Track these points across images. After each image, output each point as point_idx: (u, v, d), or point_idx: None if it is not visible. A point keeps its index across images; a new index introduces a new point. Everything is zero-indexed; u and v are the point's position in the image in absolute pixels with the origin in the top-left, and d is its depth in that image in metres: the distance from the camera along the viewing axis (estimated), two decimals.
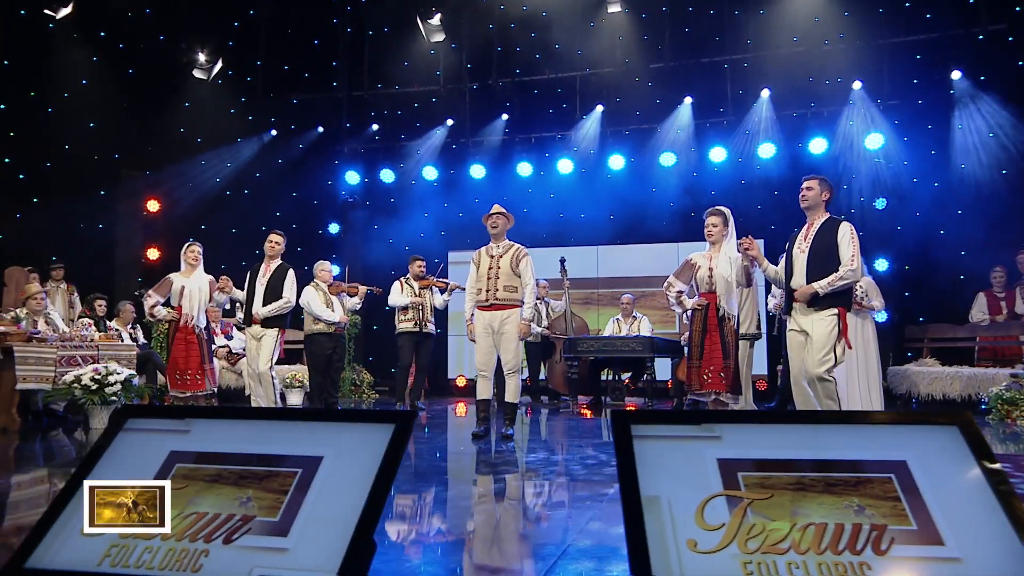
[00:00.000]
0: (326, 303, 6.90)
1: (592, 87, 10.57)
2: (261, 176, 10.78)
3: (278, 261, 6.17)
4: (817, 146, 9.67)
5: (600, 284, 10.83)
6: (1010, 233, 8.12)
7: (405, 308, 7.35)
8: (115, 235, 10.01)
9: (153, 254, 10.18)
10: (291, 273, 6.13)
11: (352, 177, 11.07)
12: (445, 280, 7.81)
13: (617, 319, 8.40)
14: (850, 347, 4.28)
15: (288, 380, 8.05)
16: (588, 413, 7.53)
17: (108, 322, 7.86)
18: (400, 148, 11.16)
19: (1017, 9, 8.78)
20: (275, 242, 6.12)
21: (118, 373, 5.82)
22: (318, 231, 10.94)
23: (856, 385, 6.37)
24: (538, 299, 7.67)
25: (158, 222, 10.26)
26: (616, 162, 10.43)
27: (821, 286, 4.11)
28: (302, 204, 10.89)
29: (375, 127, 11.11)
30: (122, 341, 7.17)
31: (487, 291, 5.20)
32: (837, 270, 4.09)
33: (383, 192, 11.16)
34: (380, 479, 1.47)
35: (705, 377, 4.94)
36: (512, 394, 5.24)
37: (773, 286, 5.95)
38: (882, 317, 7.42)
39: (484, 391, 5.32)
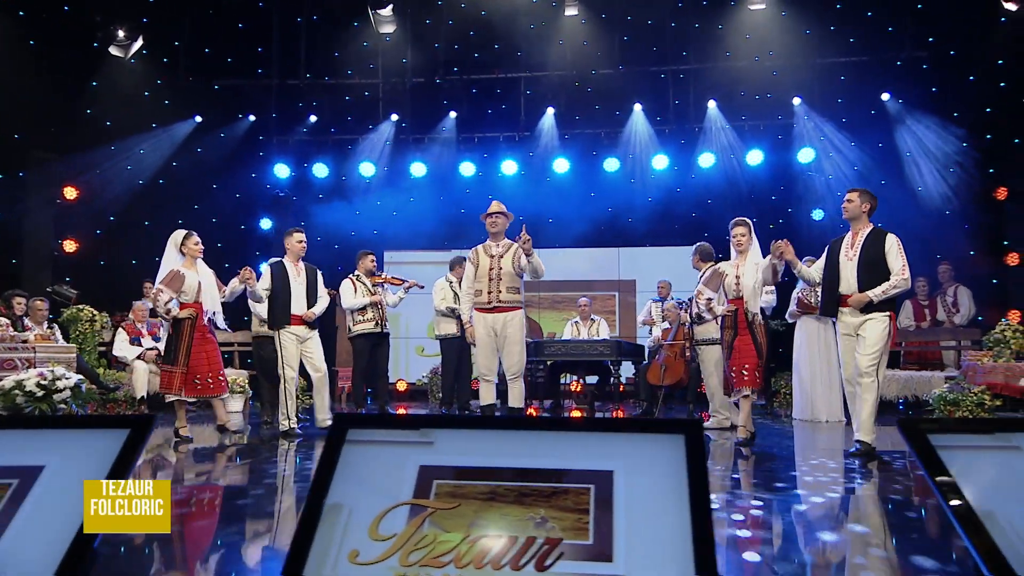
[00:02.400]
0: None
1: (542, 89, 10.48)
2: (179, 165, 10.21)
3: (302, 260, 5.92)
4: (754, 158, 9.85)
5: (542, 287, 10.75)
6: (930, 245, 8.41)
7: (363, 308, 7.04)
8: (24, 225, 9.36)
9: (70, 246, 9.60)
10: (318, 271, 5.96)
11: (281, 170, 10.57)
12: (401, 278, 7.53)
13: (575, 322, 8.35)
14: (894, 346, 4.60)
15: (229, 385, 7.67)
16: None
17: (25, 320, 7.52)
18: (335, 142, 10.80)
19: (931, 40, 9.27)
20: (303, 241, 5.82)
21: (66, 378, 5.42)
22: (241, 226, 10.41)
23: (819, 387, 6.66)
24: None
25: (76, 211, 9.67)
26: (560, 165, 10.38)
27: (876, 294, 4.41)
28: (226, 197, 10.38)
29: (313, 118, 10.68)
30: (58, 342, 6.84)
31: (489, 292, 5.06)
32: (888, 278, 4.40)
33: (315, 187, 10.74)
34: (696, 489, 1.34)
35: (734, 374, 5.03)
36: (518, 399, 5.11)
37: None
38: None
39: (489, 396, 5.18)
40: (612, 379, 7.40)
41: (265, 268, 5.81)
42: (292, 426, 5.52)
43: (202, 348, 5.35)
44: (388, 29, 10.20)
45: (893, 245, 4.43)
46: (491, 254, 5.20)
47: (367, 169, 10.53)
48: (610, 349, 7.09)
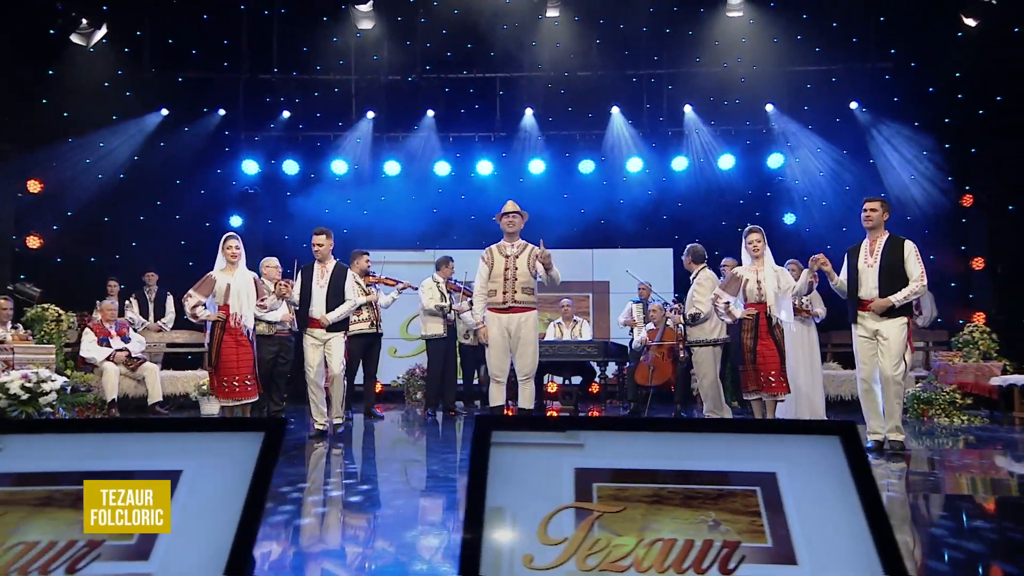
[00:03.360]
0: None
1: (520, 89, 10.45)
2: (140, 160, 9.77)
3: (333, 260, 5.77)
4: (726, 162, 10.07)
5: None
6: None
7: (359, 308, 6.86)
8: None
9: (33, 242, 9.11)
10: (351, 274, 5.84)
11: (250, 166, 10.21)
12: (395, 279, 7.45)
13: (558, 323, 8.38)
14: (912, 351, 4.85)
15: (204, 388, 7.35)
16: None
17: None
18: (307, 138, 10.52)
19: (892, 52, 9.66)
20: (320, 243, 5.70)
21: (52, 380, 5.18)
22: (206, 223, 9.90)
23: (802, 388, 6.60)
24: (456, 307, 7.47)
25: (39, 206, 9.20)
26: (536, 166, 10.38)
27: (898, 299, 4.57)
28: (191, 194, 10.03)
29: (287, 114, 10.36)
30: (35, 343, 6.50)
31: (504, 293, 5.02)
32: (906, 284, 4.57)
33: (285, 184, 10.41)
34: (862, 483, 1.34)
35: (763, 380, 5.10)
36: (528, 400, 5.11)
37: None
38: None
39: (499, 397, 5.16)
40: (599, 379, 7.44)
41: (298, 274, 5.79)
42: (320, 426, 5.50)
43: (233, 352, 5.24)
44: (366, 25, 9.99)
45: (912, 252, 4.62)
46: (506, 254, 5.17)
47: (339, 167, 10.29)
48: (597, 350, 7.14)
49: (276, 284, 5.64)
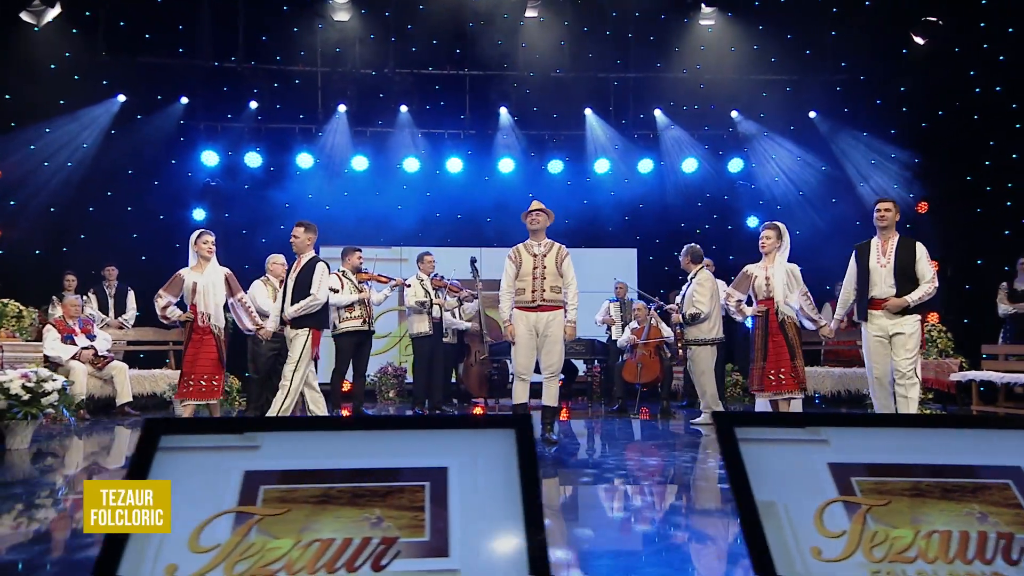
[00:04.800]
0: (274, 300, 6.21)
1: (493, 88, 10.43)
2: (90, 148, 9.24)
3: (310, 254, 5.52)
4: (688, 165, 10.42)
5: (484, 286, 10.72)
6: (847, 252, 9.21)
7: (351, 305, 6.72)
8: None
9: None
10: (321, 267, 5.49)
11: (209, 158, 9.79)
12: (388, 276, 7.30)
13: None
14: (923, 349, 4.93)
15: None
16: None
17: None
18: (271, 131, 10.15)
19: (843, 64, 10.23)
20: (295, 235, 5.47)
21: (53, 379, 4.88)
22: (160, 216, 9.52)
23: None
24: (438, 302, 7.41)
25: None
26: (506, 165, 10.39)
27: (913, 299, 4.70)
28: (144, 185, 9.55)
29: (254, 105, 9.97)
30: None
31: (533, 291, 5.03)
32: (917, 284, 4.72)
33: (244, 177, 10.02)
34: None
35: (771, 378, 5.16)
36: (552, 397, 5.13)
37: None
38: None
39: (523, 395, 5.14)
40: (585, 375, 7.57)
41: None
42: None
43: (197, 350, 5.15)
44: (343, 17, 9.74)
45: (924, 254, 4.79)
46: (534, 253, 5.17)
47: (305, 160, 10.01)
48: (586, 348, 7.24)
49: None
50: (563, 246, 5.23)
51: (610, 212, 10.63)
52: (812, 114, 10.24)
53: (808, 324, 5.33)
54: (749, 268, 5.52)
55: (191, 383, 5.28)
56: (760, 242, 5.44)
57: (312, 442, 1.35)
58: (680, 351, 6.68)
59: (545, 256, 5.13)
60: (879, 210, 4.96)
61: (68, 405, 4.95)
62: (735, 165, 10.45)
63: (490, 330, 8.61)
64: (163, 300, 5.19)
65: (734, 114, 10.37)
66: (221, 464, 1.31)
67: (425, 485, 1.34)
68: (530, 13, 9.87)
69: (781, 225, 5.55)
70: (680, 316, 6.31)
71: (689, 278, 6.38)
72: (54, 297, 7.60)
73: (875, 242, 4.96)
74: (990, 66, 9.20)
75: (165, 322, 5.46)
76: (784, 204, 10.25)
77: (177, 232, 9.15)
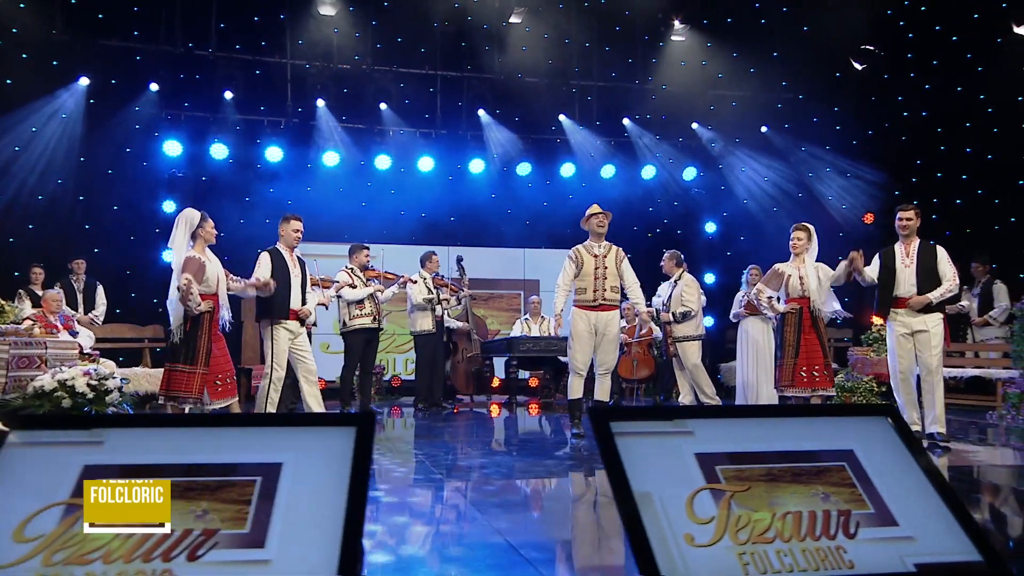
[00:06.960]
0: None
1: (475, 90, 10.58)
2: (39, 131, 8.76)
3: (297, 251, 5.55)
4: (647, 172, 10.83)
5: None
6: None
7: (361, 302, 6.80)
8: None
9: None
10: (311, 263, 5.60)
11: (172, 147, 9.33)
12: (395, 273, 7.39)
13: (526, 319, 8.67)
14: (948, 346, 5.22)
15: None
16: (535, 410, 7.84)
17: None
18: (238, 122, 9.80)
19: (784, 84, 10.74)
20: (296, 229, 5.42)
21: (113, 376, 4.78)
22: (114, 207, 9.19)
23: (763, 384, 7.02)
24: (445, 298, 7.62)
25: None
26: (476, 166, 10.54)
27: (935, 296, 4.99)
28: (95, 172, 9.17)
29: (229, 95, 9.66)
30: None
31: (595, 291, 5.24)
32: (938, 283, 5.00)
33: (206, 168, 9.70)
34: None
35: (803, 375, 5.36)
36: (605, 392, 5.35)
37: None
38: None
39: (579, 390, 5.37)
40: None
41: (264, 257, 5.35)
42: None
43: (218, 347, 4.84)
44: (329, 12, 9.68)
45: (944, 256, 5.09)
46: (594, 254, 5.36)
47: (274, 154, 9.77)
48: None
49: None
50: (620, 248, 5.45)
51: (571, 214, 10.78)
52: (764, 128, 10.78)
53: (837, 306, 5.60)
54: (780, 267, 5.67)
55: (227, 382, 4.89)
56: (791, 243, 5.60)
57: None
58: (671, 347, 6.92)
59: (605, 257, 5.34)
60: (901, 218, 5.21)
61: (130, 402, 4.87)
62: (689, 173, 10.89)
63: (478, 328, 8.84)
64: (196, 287, 4.57)
65: (695, 126, 10.87)
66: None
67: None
68: (514, 19, 10.09)
69: (810, 227, 5.73)
70: (670, 315, 6.72)
71: (673, 280, 6.83)
72: (20, 291, 7.35)
73: (898, 247, 5.24)
74: (918, 92, 9.81)
75: (197, 312, 4.63)
76: (739, 211, 10.76)
77: (141, 224, 9.07)
